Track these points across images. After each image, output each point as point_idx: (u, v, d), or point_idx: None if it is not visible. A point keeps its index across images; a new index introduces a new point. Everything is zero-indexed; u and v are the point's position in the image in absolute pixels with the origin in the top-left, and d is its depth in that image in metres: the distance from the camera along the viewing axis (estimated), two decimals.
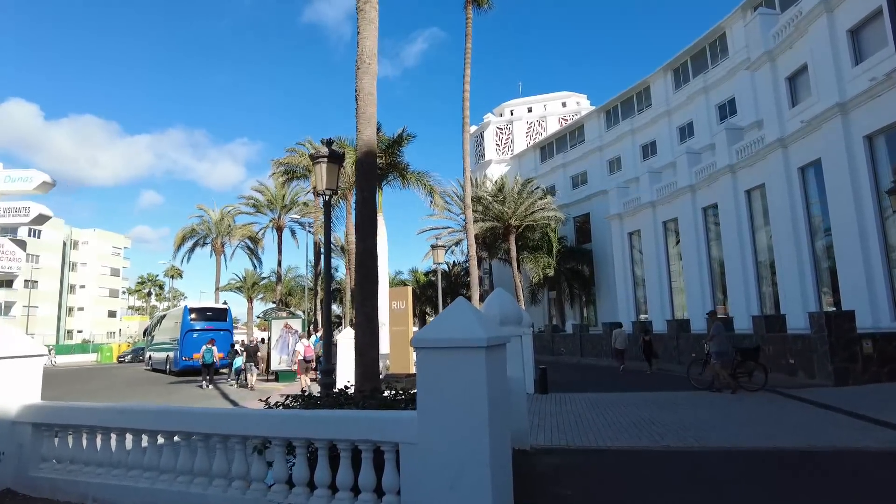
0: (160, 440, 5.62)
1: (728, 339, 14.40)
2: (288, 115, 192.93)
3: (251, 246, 48.51)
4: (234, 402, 17.54)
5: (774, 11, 25.11)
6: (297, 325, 22.99)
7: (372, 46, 7.86)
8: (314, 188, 26.76)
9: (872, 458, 6.91)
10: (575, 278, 42.62)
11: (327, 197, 8.37)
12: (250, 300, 59.14)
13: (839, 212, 19.10)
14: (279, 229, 41.95)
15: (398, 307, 17.61)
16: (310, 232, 36.41)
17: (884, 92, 17.20)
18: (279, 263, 42.64)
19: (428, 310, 59.43)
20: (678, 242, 30.92)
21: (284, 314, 32.93)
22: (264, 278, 58.47)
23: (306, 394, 6.37)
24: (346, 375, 15.16)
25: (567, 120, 52.42)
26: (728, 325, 21.15)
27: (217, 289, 50.55)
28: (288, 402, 6.31)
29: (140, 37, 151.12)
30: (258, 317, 52.15)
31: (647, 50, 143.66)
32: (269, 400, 5.96)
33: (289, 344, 22.00)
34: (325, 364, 8.26)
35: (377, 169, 8.09)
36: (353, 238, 14.39)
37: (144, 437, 5.73)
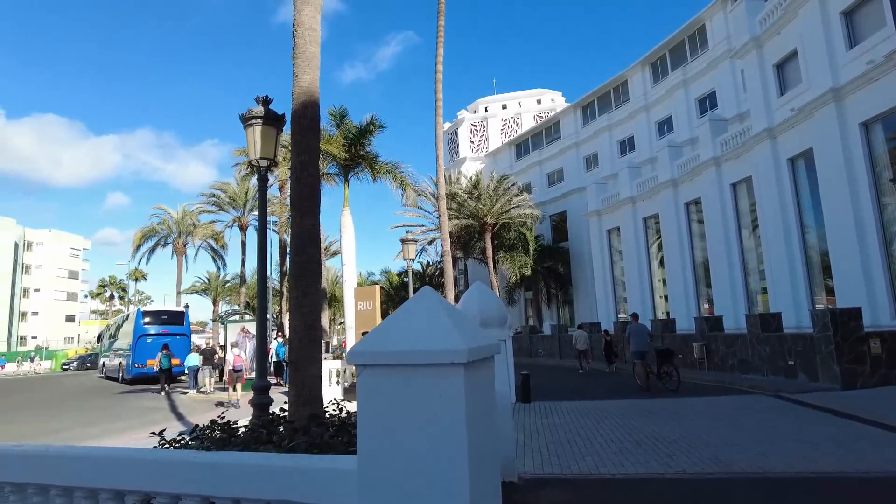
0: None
1: (648, 340, 15.78)
2: None
3: (214, 246, 46.17)
4: (180, 416, 15.76)
5: None
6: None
7: None
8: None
9: None
10: (552, 278, 41.41)
11: (263, 170, 6.73)
12: (215, 303, 56.72)
13: (833, 204, 18.07)
14: (243, 228, 39.69)
15: (365, 308, 15.95)
16: (274, 230, 34.25)
17: (882, 76, 16.20)
18: (243, 264, 40.36)
19: None
20: (659, 238, 29.88)
21: (250, 316, 30.91)
22: (229, 280, 55.96)
23: (223, 420, 4.75)
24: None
25: (542, 117, 51.28)
26: (716, 325, 20.06)
27: (179, 292, 47.96)
28: (197, 433, 4.70)
29: (105, 37, 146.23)
30: (212, 320, 49.65)
31: (623, 45, 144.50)
32: (164, 433, 4.32)
33: (246, 349, 20.15)
34: (258, 379, 6.56)
35: (319, 126, 6.48)
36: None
37: None
